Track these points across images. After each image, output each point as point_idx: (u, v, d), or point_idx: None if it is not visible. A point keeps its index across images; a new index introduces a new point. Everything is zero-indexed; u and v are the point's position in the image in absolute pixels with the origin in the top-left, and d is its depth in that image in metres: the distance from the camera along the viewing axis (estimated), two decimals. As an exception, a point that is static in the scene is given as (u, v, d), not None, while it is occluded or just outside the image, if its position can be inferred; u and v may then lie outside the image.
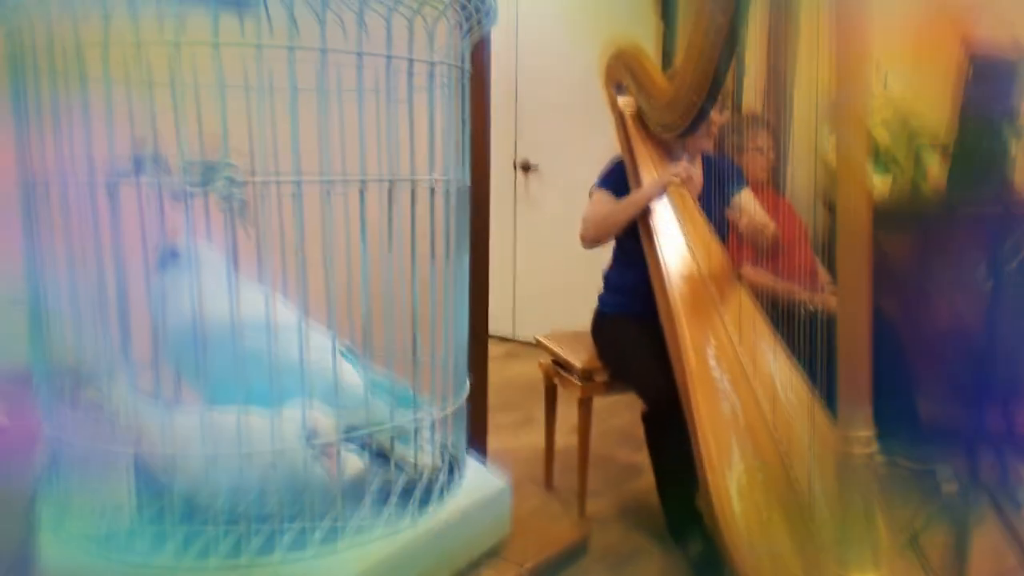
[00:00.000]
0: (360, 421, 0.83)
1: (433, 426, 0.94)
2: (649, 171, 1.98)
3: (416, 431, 0.91)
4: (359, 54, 0.74)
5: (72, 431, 0.79)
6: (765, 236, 1.87)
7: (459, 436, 1.03)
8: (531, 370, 2.36)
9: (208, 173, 0.71)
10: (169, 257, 0.86)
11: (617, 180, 1.98)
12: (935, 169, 2.42)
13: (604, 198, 1.97)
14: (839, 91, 1.09)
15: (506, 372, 3.66)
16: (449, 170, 0.89)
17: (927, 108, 2.92)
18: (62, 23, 0.71)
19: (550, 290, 3.94)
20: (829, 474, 1.46)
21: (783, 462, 1.52)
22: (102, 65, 0.68)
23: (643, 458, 2.56)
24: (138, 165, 0.74)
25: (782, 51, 2.79)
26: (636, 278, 1.92)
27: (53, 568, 0.77)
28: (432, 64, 0.82)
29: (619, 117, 2.08)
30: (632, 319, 1.96)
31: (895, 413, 1.64)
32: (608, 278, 2.13)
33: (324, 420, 0.79)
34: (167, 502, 0.78)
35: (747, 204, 1.99)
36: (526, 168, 4.04)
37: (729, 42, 1.64)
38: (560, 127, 3.82)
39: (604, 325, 2.06)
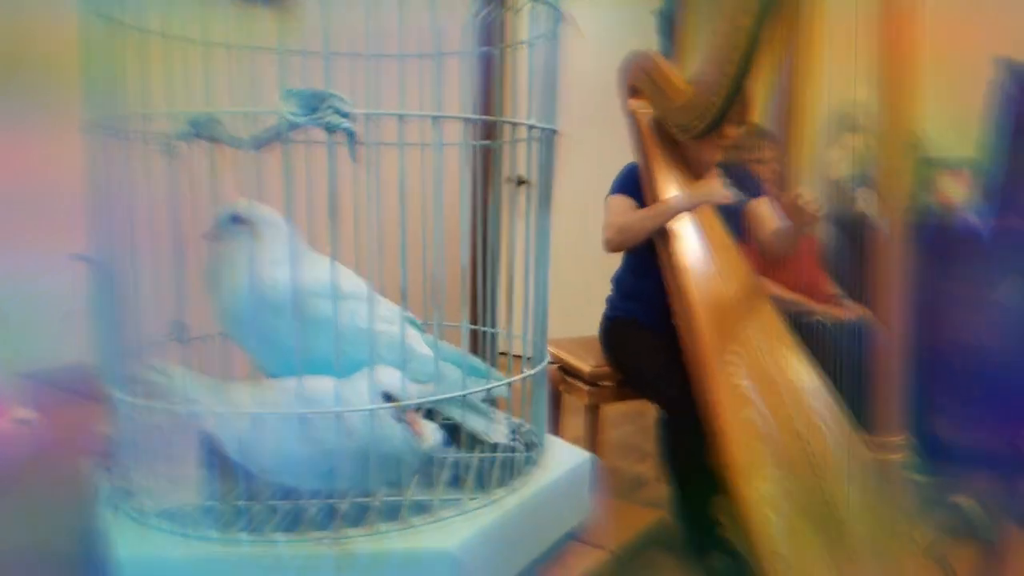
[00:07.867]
0: (430, 393, 0.76)
1: (510, 396, 0.87)
2: (664, 178, 1.94)
3: (492, 402, 0.84)
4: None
5: (136, 411, 0.75)
6: (806, 222, 1.73)
7: (539, 406, 0.95)
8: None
9: (313, 101, 0.65)
10: (229, 222, 0.81)
11: (634, 185, 1.94)
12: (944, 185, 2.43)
13: (624, 204, 1.92)
14: (884, 101, 1.07)
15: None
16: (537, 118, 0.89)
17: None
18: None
19: (554, 296, 3.89)
20: (860, 484, 1.43)
21: (813, 471, 1.48)
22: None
23: (647, 469, 2.50)
24: (196, 126, 0.69)
25: (787, 69, 2.81)
26: (652, 286, 1.86)
27: (126, 547, 0.71)
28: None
29: (633, 121, 2.05)
30: (646, 326, 1.92)
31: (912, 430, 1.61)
32: (620, 283, 2.06)
33: (397, 381, 0.71)
34: (240, 475, 0.74)
35: (765, 211, 1.97)
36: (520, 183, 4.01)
37: (750, 46, 1.63)
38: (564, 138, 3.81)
39: (616, 330, 2.00)
